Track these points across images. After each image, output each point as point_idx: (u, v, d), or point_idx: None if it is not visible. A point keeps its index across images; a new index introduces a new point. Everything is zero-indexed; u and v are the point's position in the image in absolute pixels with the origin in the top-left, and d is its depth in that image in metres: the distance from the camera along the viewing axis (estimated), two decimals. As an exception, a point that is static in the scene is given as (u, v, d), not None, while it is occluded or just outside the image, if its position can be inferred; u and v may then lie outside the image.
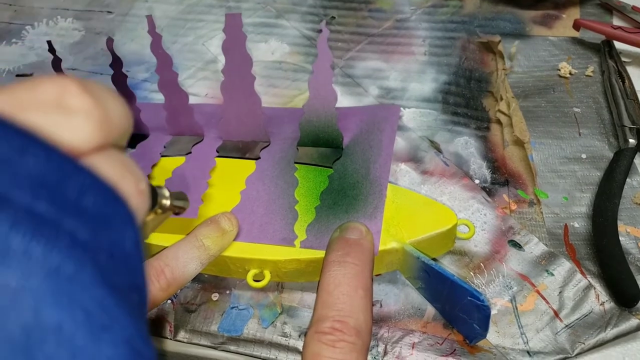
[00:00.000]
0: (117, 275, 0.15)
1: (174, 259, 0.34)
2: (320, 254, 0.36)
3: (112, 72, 0.42)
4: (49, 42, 0.42)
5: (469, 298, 0.33)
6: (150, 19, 0.39)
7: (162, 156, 0.43)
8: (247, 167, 0.42)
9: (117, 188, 0.17)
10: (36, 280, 0.13)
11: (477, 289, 0.33)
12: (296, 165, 0.41)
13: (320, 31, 0.36)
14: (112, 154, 0.18)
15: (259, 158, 0.42)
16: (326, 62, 0.37)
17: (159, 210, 0.25)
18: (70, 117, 0.16)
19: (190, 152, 0.43)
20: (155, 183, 0.41)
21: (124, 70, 0.51)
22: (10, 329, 0.12)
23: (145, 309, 0.17)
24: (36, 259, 0.13)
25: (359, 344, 0.27)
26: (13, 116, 0.15)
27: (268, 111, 0.47)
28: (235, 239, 0.37)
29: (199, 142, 0.44)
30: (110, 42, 0.41)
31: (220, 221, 0.37)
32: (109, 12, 0.61)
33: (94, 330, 0.13)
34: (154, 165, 0.43)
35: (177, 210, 0.28)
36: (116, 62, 0.42)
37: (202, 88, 0.52)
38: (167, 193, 0.26)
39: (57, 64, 0.42)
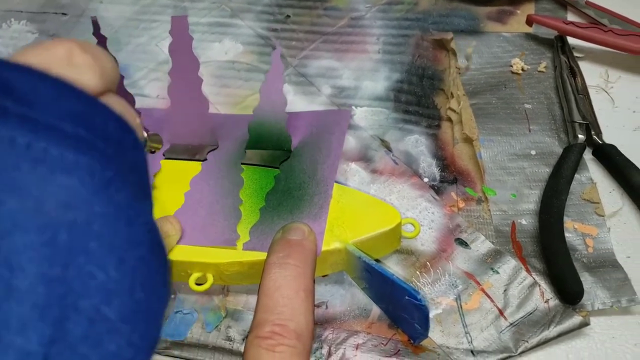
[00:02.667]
0: (135, 185, 0.19)
1: None
2: (263, 256, 0.35)
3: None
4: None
5: (407, 297, 0.32)
6: (94, 20, 0.38)
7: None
8: (193, 168, 0.41)
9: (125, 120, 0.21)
10: (88, 183, 0.17)
11: (416, 289, 0.33)
12: (243, 165, 0.41)
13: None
14: (112, 96, 0.22)
15: (206, 159, 0.42)
16: (278, 74, 0.37)
17: None
18: (79, 70, 0.21)
19: (136, 155, 0.43)
20: None
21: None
22: (73, 217, 0.16)
23: (152, 212, 0.21)
24: (85, 168, 0.17)
25: (299, 347, 0.27)
26: (46, 70, 0.19)
27: (219, 117, 0.46)
28: (177, 242, 0.37)
29: (146, 144, 0.43)
30: None
31: (162, 225, 0.36)
32: (63, 13, 0.60)
33: (126, 221, 0.18)
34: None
35: (152, 149, 0.33)
36: None
37: (154, 89, 0.51)
38: (145, 134, 0.29)
39: None
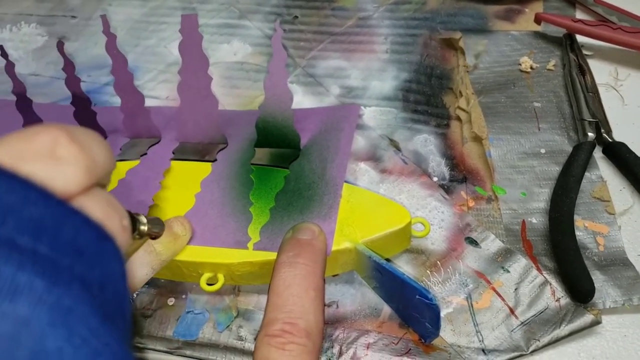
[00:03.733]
0: (107, 305, 0.17)
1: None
2: (273, 255, 0.35)
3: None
4: (1, 47, 0.42)
5: (417, 297, 0.32)
6: (104, 18, 0.38)
7: (118, 160, 0.43)
8: (203, 169, 0.41)
9: (105, 227, 0.19)
10: (41, 311, 0.15)
11: (427, 288, 0.33)
12: (252, 166, 0.41)
13: (284, 30, 0.36)
14: (98, 194, 0.20)
15: (216, 160, 0.42)
16: (281, 62, 0.37)
17: (137, 236, 0.28)
18: (62, 165, 0.19)
19: (145, 154, 0.43)
20: (109, 187, 0.40)
21: (87, 74, 0.50)
22: (20, 353, 0.14)
23: (130, 332, 0.19)
24: (40, 294, 0.15)
25: (309, 345, 0.27)
26: (14, 167, 0.17)
27: (227, 113, 0.46)
28: (188, 243, 0.37)
29: (156, 143, 0.44)
30: (60, 45, 0.40)
31: (173, 225, 0.36)
32: (73, 16, 0.60)
33: (90, 355, 0.16)
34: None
35: (154, 235, 0.31)
36: (68, 66, 0.41)
37: (163, 91, 0.51)
38: (144, 220, 0.28)
39: (10, 70, 0.42)
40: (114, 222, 0.20)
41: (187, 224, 0.37)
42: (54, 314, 0.15)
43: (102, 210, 0.20)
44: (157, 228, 0.32)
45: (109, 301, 0.18)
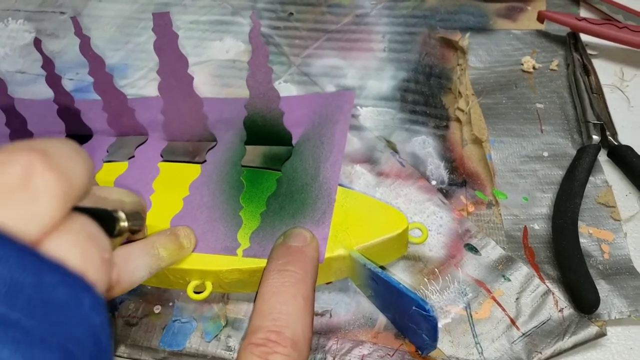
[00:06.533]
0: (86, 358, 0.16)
1: (125, 261, 0.30)
2: (264, 263, 0.34)
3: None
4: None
5: (414, 308, 0.31)
6: (75, 20, 0.37)
7: (105, 162, 0.41)
8: (192, 171, 0.40)
9: (83, 273, 0.17)
10: None
11: (424, 298, 0.31)
12: (243, 168, 0.39)
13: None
14: (75, 223, 0.18)
15: (205, 161, 0.40)
16: (262, 58, 0.36)
17: (116, 235, 0.25)
18: (34, 196, 0.17)
19: (133, 156, 0.41)
20: None
21: (75, 72, 0.48)
22: None
23: None
24: None
25: (294, 356, 0.26)
26: None
27: (215, 102, 0.44)
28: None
29: (143, 142, 0.42)
30: (38, 42, 0.39)
31: (180, 235, 0.35)
32: (61, 12, 0.58)
33: None
34: (96, 172, 0.40)
35: (134, 230, 0.30)
36: (48, 64, 0.40)
37: (153, 88, 0.49)
38: (123, 216, 0.26)
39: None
40: (94, 259, 0.18)
41: (194, 237, 0.36)
42: None
43: (80, 250, 0.18)
44: (138, 223, 0.30)
45: (88, 354, 0.17)
